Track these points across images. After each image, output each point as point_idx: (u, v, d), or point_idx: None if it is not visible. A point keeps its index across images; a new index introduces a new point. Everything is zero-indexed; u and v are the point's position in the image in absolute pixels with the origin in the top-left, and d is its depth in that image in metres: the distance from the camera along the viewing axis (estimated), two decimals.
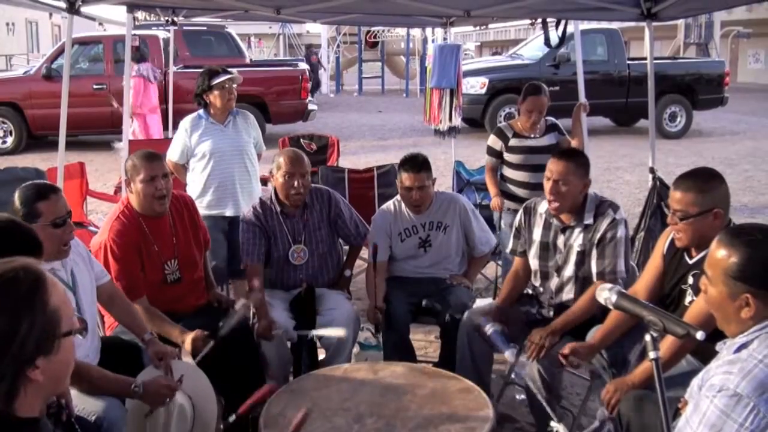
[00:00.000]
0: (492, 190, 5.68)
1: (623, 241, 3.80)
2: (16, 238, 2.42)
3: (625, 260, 3.83)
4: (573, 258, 3.92)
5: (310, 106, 15.38)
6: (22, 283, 1.73)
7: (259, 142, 5.60)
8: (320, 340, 4.24)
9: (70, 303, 1.86)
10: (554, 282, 4.04)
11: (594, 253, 3.84)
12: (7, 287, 1.71)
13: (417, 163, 4.49)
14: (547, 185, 3.86)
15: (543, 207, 4.05)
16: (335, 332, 3.99)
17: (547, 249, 4.02)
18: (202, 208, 4.53)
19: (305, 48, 30.20)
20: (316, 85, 25.86)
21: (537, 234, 4.06)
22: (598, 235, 3.83)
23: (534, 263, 4.09)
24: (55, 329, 1.75)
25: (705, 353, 2.57)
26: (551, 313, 4.06)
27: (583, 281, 3.93)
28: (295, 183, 4.32)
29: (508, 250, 4.35)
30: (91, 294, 3.43)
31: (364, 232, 4.66)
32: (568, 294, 3.99)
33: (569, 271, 3.95)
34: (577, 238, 3.90)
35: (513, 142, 5.59)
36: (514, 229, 4.22)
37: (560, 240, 3.96)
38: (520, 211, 4.19)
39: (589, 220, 3.87)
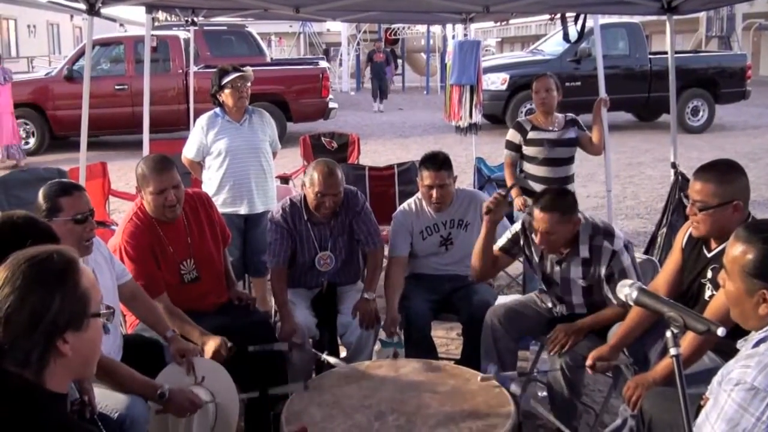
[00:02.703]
0: (511, 184, 5.61)
1: (631, 267, 3.77)
2: (33, 234, 2.44)
3: (636, 275, 3.78)
4: (576, 290, 3.90)
5: (331, 105, 15.38)
6: (56, 263, 1.88)
7: (275, 140, 5.59)
8: (341, 337, 4.26)
9: (99, 288, 1.98)
10: (561, 307, 4.04)
11: (607, 288, 3.80)
12: (42, 265, 1.86)
13: (437, 162, 4.45)
14: (537, 236, 3.80)
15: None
16: (332, 360, 3.94)
17: (549, 282, 4.01)
18: (218, 206, 4.54)
19: (373, 46, 27.93)
20: (382, 91, 22.65)
21: (536, 261, 4.04)
22: (602, 272, 3.78)
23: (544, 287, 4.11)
24: (85, 307, 1.88)
25: (727, 350, 2.55)
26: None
27: (591, 306, 3.92)
28: (327, 203, 4.28)
29: (497, 246, 4.19)
30: (113, 293, 3.45)
31: (377, 240, 4.54)
32: (579, 310, 3.97)
33: (576, 299, 3.94)
34: (576, 272, 3.86)
35: (531, 134, 5.56)
36: (512, 233, 4.13)
37: (556, 272, 3.93)
38: (519, 225, 4.11)
39: (585, 253, 3.82)
